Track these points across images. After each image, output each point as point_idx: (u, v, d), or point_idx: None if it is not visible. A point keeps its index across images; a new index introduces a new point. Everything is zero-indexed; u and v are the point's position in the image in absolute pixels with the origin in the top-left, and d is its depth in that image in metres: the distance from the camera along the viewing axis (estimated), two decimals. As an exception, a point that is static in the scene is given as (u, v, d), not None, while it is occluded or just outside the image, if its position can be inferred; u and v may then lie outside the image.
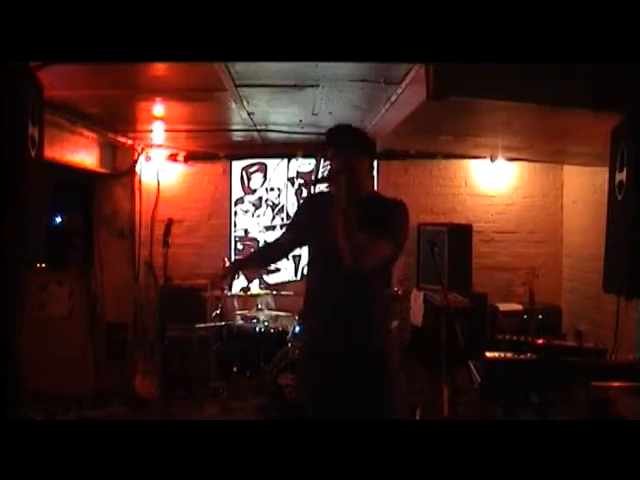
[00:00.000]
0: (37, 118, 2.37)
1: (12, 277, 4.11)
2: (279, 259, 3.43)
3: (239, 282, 6.22)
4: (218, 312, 5.72)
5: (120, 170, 6.26)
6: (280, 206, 6.61)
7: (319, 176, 2.76)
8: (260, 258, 3.30)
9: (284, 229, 2.94)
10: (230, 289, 2.74)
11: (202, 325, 5.73)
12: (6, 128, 2.07)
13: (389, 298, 2.96)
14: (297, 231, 2.91)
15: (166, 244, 4.51)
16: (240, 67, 3.38)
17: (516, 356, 3.46)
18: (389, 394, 2.68)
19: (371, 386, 2.58)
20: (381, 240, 2.52)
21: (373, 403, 2.57)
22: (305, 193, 6.50)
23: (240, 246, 6.60)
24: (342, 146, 2.66)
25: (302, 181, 6.53)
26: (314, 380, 2.72)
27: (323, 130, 5.77)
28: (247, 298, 6.02)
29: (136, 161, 6.35)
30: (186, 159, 6.51)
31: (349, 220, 2.47)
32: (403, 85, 3.58)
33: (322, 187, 2.82)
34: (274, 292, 5.79)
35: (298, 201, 6.52)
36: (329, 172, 2.74)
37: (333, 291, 2.64)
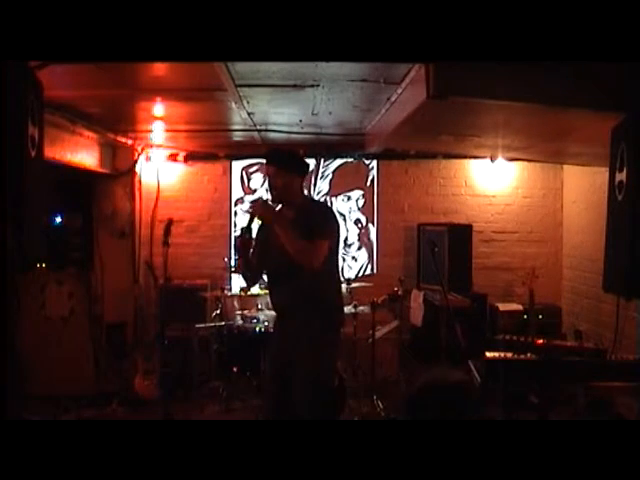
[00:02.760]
0: (37, 118, 2.37)
1: (11, 277, 4.11)
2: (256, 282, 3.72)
3: (239, 282, 6.26)
4: (218, 312, 5.71)
5: (120, 170, 6.26)
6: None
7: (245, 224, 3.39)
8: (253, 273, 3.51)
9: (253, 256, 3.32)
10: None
11: (202, 325, 5.73)
12: (6, 128, 2.07)
13: (336, 280, 3.44)
14: (260, 260, 3.34)
15: (166, 244, 4.51)
16: (240, 67, 3.38)
17: (516, 356, 3.46)
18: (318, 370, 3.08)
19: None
20: (316, 241, 3.02)
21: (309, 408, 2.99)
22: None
23: (240, 246, 6.60)
24: (278, 166, 3.19)
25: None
26: (274, 348, 3.28)
27: (323, 130, 5.81)
28: (247, 298, 6.02)
29: (136, 161, 6.35)
30: (186, 159, 6.51)
31: (286, 233, 3.03)
32: (403, 85, 3.58)
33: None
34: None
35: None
36: (253, 208, 3.37)
37: (286, 286, 3.16)
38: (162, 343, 4.83)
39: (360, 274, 6.52)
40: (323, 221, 3.17)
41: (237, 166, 6.59)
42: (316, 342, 3.07)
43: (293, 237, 3.02)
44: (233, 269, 6.36)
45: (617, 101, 2.68)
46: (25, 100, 2.25)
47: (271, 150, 3.52)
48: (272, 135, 5.73)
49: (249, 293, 5.71)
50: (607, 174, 2.76)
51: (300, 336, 3.10)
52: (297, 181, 3.28)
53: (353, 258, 6.63)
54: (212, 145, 6.34)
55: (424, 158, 6.50)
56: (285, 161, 3.25)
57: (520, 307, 5.81)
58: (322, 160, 6.56)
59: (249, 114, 4.76)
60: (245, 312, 5.87)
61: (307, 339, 3.08)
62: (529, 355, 3.43)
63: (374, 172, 6.61)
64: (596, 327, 5.35)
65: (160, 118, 4.92)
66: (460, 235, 6.00)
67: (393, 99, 3.96)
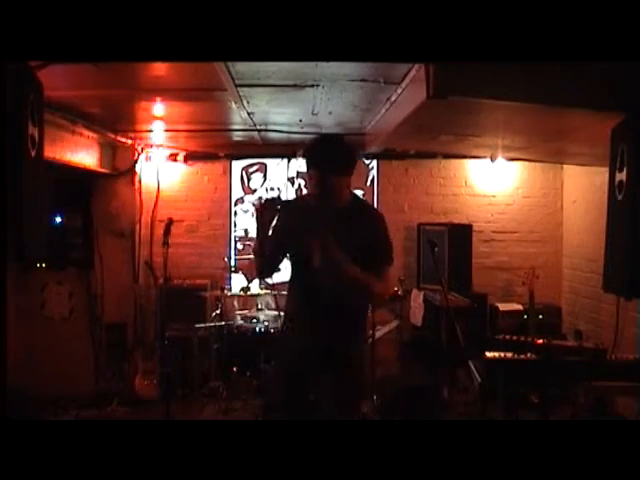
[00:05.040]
0: (37, 118, 2.37)
1: (11, 278, 4.11)
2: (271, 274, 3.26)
3: (239, 282, 6.25)
4: (218, 312, 5.71)
5: (120, 170, 6.26)
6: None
7: (286, 198, 2.76)
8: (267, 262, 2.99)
9: (269, 246, 2.78)
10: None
11: (202, 325, 5.73)
12: (6, 128, 2.07)
13: (367, 312, 3.11)
14: (281, 247, 2.84)
15: (166, 244, 4.51)
16: (240, 67, 3.38)
17: (516, 356, 3.46)
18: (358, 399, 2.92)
19: (345, 391, 2.73)
20: (383, 268, 2.75)
21: (343, 406, 2.73)
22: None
23: (240, 246, 6.60)
24: (324, 171, 2.60)
25: (302, 181, 6.53)
26: (294, 387, 2.82)
27: (323, 130, 5.79)
28: (247, 298, 6.02)
29: (136, 161, 6.35)
30: (186, 159, 6.50)
31: (348, 270, 2.59)
32: (403, 85, 3.58)
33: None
34: (274, 292, 5.79)
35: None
36: (315, 190, 2.68)
37: (317, 305, 2.74)
38: (162, 343, 4.83)
39: (360, 274, 6.50)
40: (386, 238, 2.79)
41: (237, 166, 6.58)
42: (355, 352, 2.85)
43: (359, 274, 2.59)
44: (233, 269, 6.37)
45: (617, 101, 2.68)
46: (25, 100, 2.25)
47: (314, 144, 2.73)
48: (272, 135, 5.73)
49: (249, 293, 5.71)
50: (607, 174, 2.77)
51: (335, 342, 2.75)
52: (346, 182, 2.71)
53: (353, 258, 6.62)
54: (212, 145, 6.33)
55: (424, 158, 6.49)
56: (333, 162, 2.61)
57: (520, 307, 5.81)
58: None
59: (249, 114, 4.76)
60: (245, 312, 5.87)
61: (344, 347, 2.78)
62: (529, 355, 3.43)
63: (374, 172, 6.61)
64: (596, 327, 5.35)
65: (160, 118, 4.92)
66: (460, 235, 6.00)
67: (393, 99, 3.96)
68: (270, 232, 2.74)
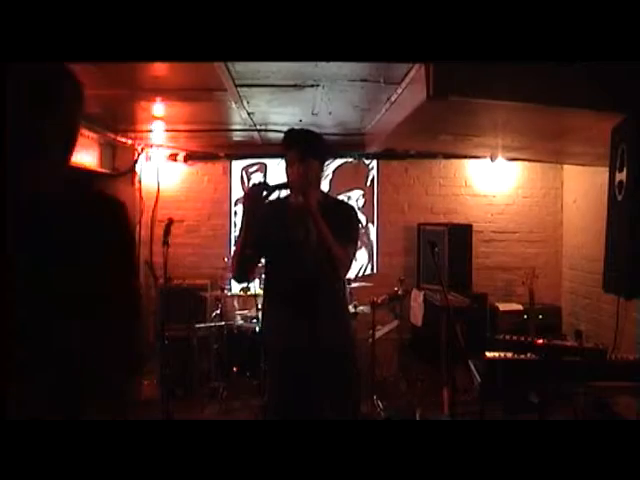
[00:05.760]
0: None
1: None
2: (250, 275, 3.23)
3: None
4: (218, 312, 5.72)
5: (120, 170, 6.26)
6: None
7: (274, 183, 2.77)
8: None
9: (248, 243, 2.75)
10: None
11: (202, 325, 5.73)
12: (6, 128, 2.07)
13: (346, 292, 3.13)
14: (262, 244, 2.82)
15: (166, 244, 4.51)
16: (240, 67, 3.38)
17: (516, 356, 3.45)
18: (353, 388, 2.95)
19: (337, 382, 2.83)
20: (347, 249, 2.75)
21: (339, 398, 2.83)
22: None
23: (240, 246, 6.59)
24: (302, 151, 2.76)
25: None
26: (285, 382, 2.84)
27: (323, 130, 5.80)
28: (247, 298, 6.02)
29: (136, 161, 6.35)
30: (186, 159, 6.50)
31: (326, 233, 2.65)
32: (403, 85, 3.58)
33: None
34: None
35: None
36: (295, 178, 2.80)
37: (297, 295, 2.76)
38: (162, 343, 4.82)
39: (360, 274, 6.51)
40: (354, 225, 2.92)
41: (237, 166, 6.59)
42: (343, 341, 2.91)
43: (331, 235, 2.64)
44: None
45: (617, 101, 2.68)
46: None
47: (291, 130, 2.96)
48: (272, 135, 5.73)
49: (249, 293, 5.72)
50: (607, 174, 2.77)
51: (323, 335, 2.75)
52: (318, 169, 2.86)
53: (353, 258, 6.62)
54: (212, 145, 6.34)
55: (424, 158, 6.50)
56: (309, 143, 2.81)
57: (520, 307, 5.81)
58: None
59: (249, 114, 4.77)
60: (245, 312, 5.87)
61: (333, 338, 2.81)
62: (529, 355, 3.43)
63: (374, 172, 6.61)
64: (596, 327, 5.35)
65: (160, 118, 4.92)
66: (460, 235, 6.00)
67: (393, 99, 3.96)
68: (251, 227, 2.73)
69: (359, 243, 2.96)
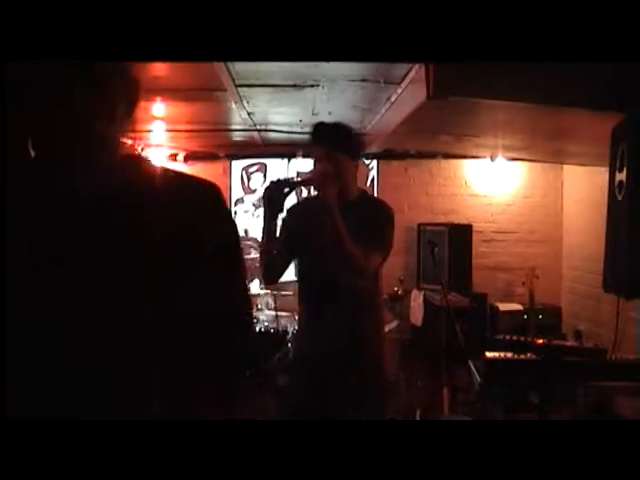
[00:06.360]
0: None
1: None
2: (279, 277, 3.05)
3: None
4: (218, 312, 5.70)
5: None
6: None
7: (299, 179, 2.63)
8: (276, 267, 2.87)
9: (277, 246, 2.65)
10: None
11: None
12: (6, 128, 2.07)
13: (382, 304, 3.04)
14: (291, 247, 2.74)
15: (166, 244, 4.50)
16: (240, 67, 3.38)
17: (516, 356, 3.46)
18: (382, 404, 2.82)
19: (367, 398, 2.68)
20: (374, 252, 2.59)
21: (370, 413, 2.66)
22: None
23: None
24: (331, 147, 2.59)
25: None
26: (311, 392, 2.71)
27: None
28: (247, 298, 6.00)
29: (136, 161, 6.35)
30: (186, 159, 6.51)
31: (342, 233, 2.47)
32: (403, 85, 3.58)
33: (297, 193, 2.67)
34: (274, 292, 5.79)
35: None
36: (316, 175, 2.64)
37: (330, 303, 2.65)
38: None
39: (360, 274, 6.50)
40: (385, 230, 2.73)
41: (237, 166, 6.59)
42: (376, 344, 2.81)
43: (348, 238, 2.48)
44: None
45: (617, 101, 2.68)
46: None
47: (318, 124, 2.74)
48: (272, 135, 5.73)
49: (249, 293, 5.71)
50: (607, 174, 2.76)
51: (356, 335, 2.68)
52: (349, 166, 2.66)
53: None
54: (212, 145, 6.34)
55: (424, 158, 6.50)
56: (336, 138, 2.61)
57: (520, 307, 5.81)
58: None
59: (249, 114, 4.77)
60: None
61: (367, 340, 2.72)
62: (529, 355, 3.43)
63: (374, 172, 6.61)
64: (596, 327, 5.35)
65: (160, 118, 4.92)
66: (460, 235, 6.01)
67: (393, 99, 3.97)
68: (279, 227, 2.63)
69: (389, 249, 2.75)
